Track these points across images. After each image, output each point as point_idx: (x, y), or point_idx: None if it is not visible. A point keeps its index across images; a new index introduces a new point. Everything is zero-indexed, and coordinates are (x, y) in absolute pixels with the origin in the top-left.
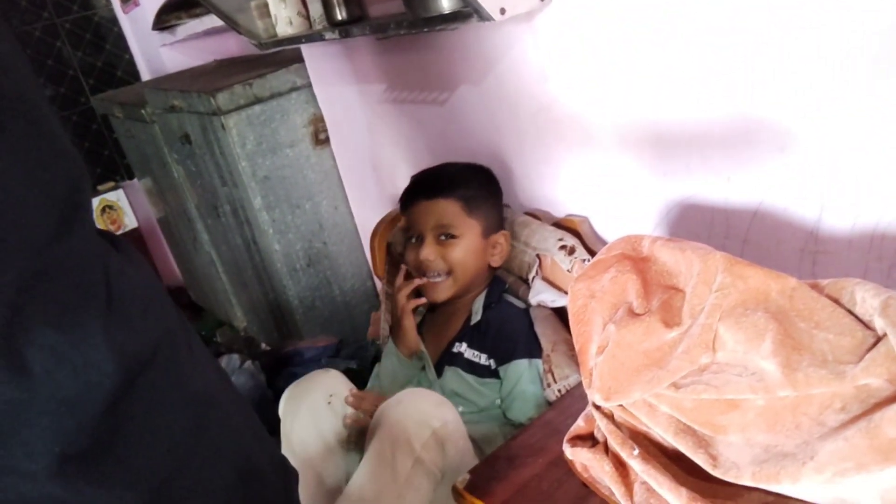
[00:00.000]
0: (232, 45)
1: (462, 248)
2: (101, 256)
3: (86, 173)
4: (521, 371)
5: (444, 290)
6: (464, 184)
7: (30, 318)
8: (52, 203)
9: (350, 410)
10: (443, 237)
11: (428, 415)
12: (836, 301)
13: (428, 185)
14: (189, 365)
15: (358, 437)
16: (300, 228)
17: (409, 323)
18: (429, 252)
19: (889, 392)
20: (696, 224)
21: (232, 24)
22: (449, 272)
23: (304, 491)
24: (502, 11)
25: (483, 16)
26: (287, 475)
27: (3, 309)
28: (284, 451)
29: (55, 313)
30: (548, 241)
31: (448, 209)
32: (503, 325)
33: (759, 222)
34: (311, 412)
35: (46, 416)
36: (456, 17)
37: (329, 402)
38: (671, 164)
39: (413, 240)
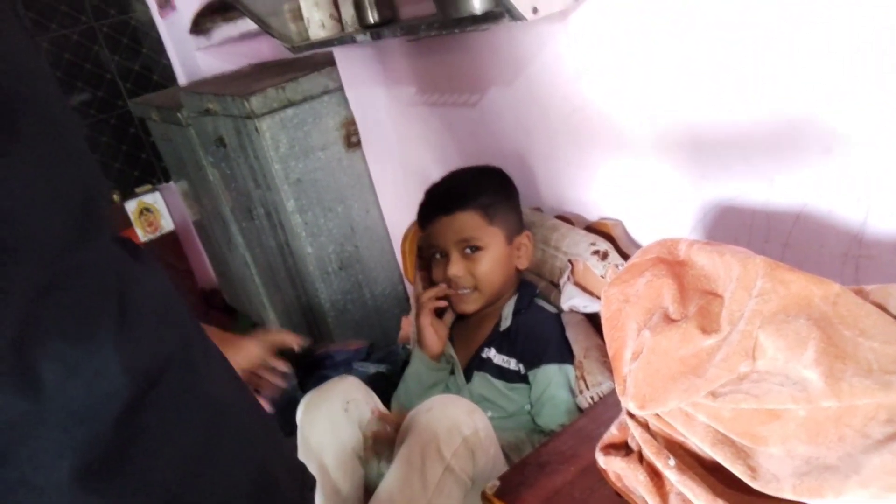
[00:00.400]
0: (265, 50)
1: (489, 260)
2: (116, 266)
3: (103, 180)
4: (550, 376)
5: (472, 303)
6: (480, 192)
7: (43, 330)
8: (66, 211)
9: (369, 416)
10: (468, 250)
11: (459, 422)
12: (882, 307)
13: (444, 199)
14: (204, 374)
15: (376, 446)
16: (332, 232)
17: (428, 322)
18: (457, 269)
19: None
20: (734, 227)
21: (265, 28)
22: (475, 287)
23: (321, 499)
24: (535, 11)
25: (515, 15)
26: (304, 483)
27: (16, 320)
28: (301, 458)
29: (68, 325)
30: (579, 246)
31: (469, 221)
32: (533, 329)
33: (802, 225)
34: (329, 420)
35: (58, 428)
36: (487, 17)
37: (346, 410)
38: (710, 166)
39: (438, 256)
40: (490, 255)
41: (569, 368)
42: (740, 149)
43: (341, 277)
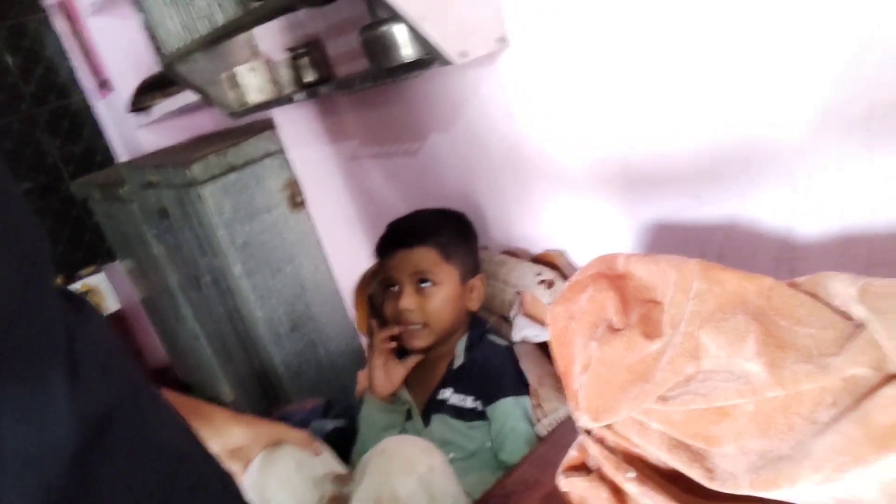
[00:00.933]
0: (207, 122)
1: (441, 297)
2: (63, 314)
3: (44, 235)
4: (508, 409)
5: (421, 339)
6: (440, 230)
7: None
8: (13, 259)
9: (322, 474)
10: (422, 284)
11: (413, 460)
12: (814, 296)
13: (405, 234)
14: (155, 423)
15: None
16: (282, 292)
17: (380, 363)
18: (408, 302)
19: (876, 380)
20: (670, 245)
21: (205, 98)
22: (425, 324)
23: None
24: (463, 55)
25: (445, 60)
26: None
27: None
28: None
29: (20, 368)
30: (526, 277)
31: (426, 256)
32: (487, 364)
33: (733, 236)
34: (282, 481)
35: (10, 475)
36: (418, 64)
37: (299, 470)
38: (642, 191)
39: (392, 288)
40: (443, 292)
41: (525, 400)
42: (668, 171)
43: (294, 338)
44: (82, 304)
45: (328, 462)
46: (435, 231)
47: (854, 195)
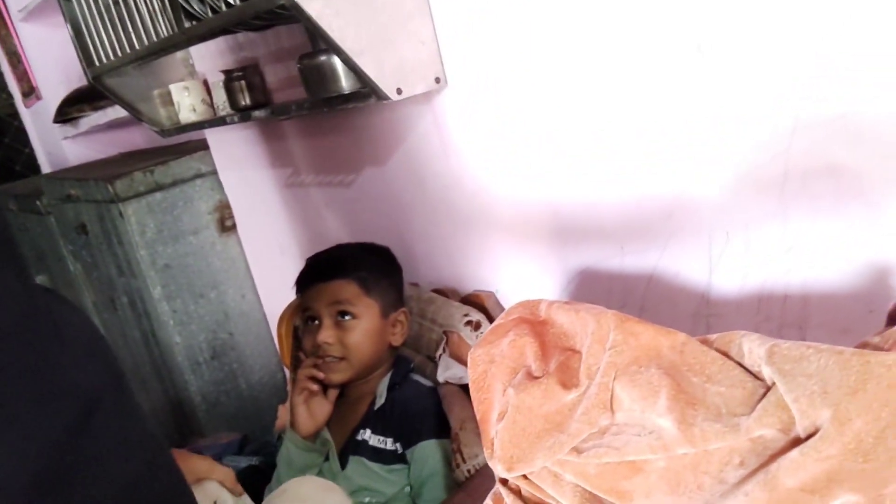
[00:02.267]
0: (138, 138)
1: (361, 330)
2: (45, 301)
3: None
4: (428, 453)
5: (339, 373)
6: (360, 263)
7: None
8: None
9: None
10: (340, 317)
11: (308, 499)
12: (726, 354)
13: (324, 267)
14: (137, 410)
15: None
16: (204, 319)
17: (302, 399)
18: (327, 335)
19: (783, 442)
20: (595, 293)
21: (135, 114)
22: (343, 357)
23: None
24: (399, 91)
25: (380, 95)
26: None
27: None
28: None
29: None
30: (454, 318)
31: (345, 288)
32: (408, 405)
33: (654, 288)
34: None
35: (4, 445)
36: (354, 97)
37: None
38: (569, 237)
39: (310, 322)
40: (363, 326)
41: (447, 443)
42: (593, 219)
43: (213, 367)
44: (63, 297)
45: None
46: (354, 264)
47: (769, 255)
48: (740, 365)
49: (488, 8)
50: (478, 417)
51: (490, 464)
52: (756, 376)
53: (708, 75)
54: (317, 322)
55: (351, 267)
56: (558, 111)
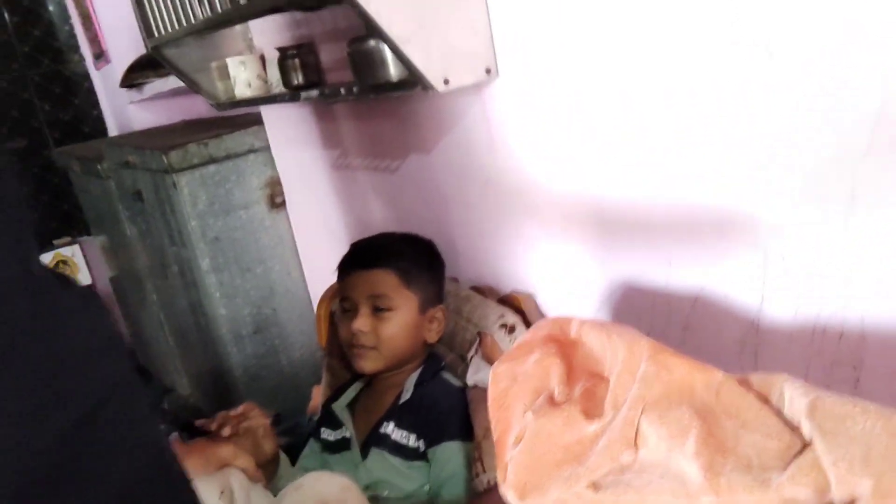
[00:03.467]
0: (201, 106)
1: (396, 323)
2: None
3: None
4: (450, 454)
5: (370, 361)
6: (402, 255)
7: None
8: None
9: (242, 501)
10: (377, 307)
11: (327, 499)
12: (765, 398)
13: (365, 255)
14: (141, 413)
15: None
16: (249, 293)
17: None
18: (362, 323)
19: None
20: (638, 307)
21: (192, 85)
22: (374, 347)
23: None
24: (446, 82)
25: (427, 86)
26: None
27: None
28: None
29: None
30: (489, 319)
31: (384, 279)
32: (434, 403)
33: (700, 309)
34: None
35: (10, 439)
36: (401, 85)
37: (220, 498)
38: (614, 246)
39: (347, 310)
40: (399, 319)
41: (470, 446)
42: (642, 228)
43: (256, 341)
44: (81, 292)
45: (259, 494)
46: (397, 255)
47: (827, 285)
48: (779, 413)
49: None
50: (494, 437)
51: (501, 489)
52: (795, 428)
53: (777, 82)
54: (352, 310)
55: (392, 257)
56: (614, 111)
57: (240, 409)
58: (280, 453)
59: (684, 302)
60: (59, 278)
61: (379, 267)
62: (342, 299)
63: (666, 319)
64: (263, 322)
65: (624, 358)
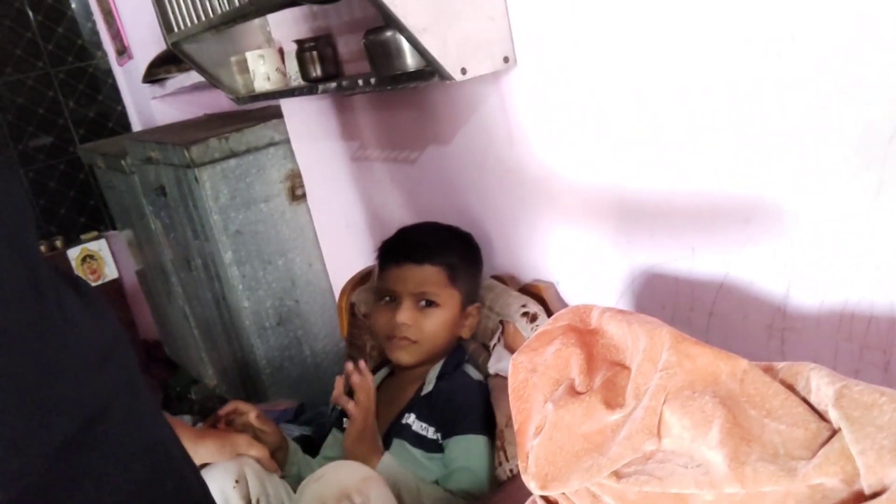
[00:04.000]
0: (223, 100)
1: (440, 319)
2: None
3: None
4: (462, 447)
5: (409, 354)
6: (451, 251)
7: None
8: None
9: (257, 490)
10: (423, 303)
11: (348, 489)
12: (791, 387)
13: (416, 248)
14: (147, 415)
15: None
16: (271, 285)
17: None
18: (406, 316)
19: (845, 493)
20: (661, 294)
21: (212, 80)
22: (416, 341)
23: None
24: (463, 72)
25: (444, 75)
26: None
27: None
28: None
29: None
30: (511, 307)
31: (434, 277)
32: (453, 396)
33: (726, 295)
34: (220, 495)
35: None
36: (418, 75)
37: (235, 486)
38: (636, 232)
39: (387, 299)
40: (442, 315)
41: (483, 439)
42: (663, 217)
43: (279, 333)
44: (87, 291)
45: (275, 483)
46: (447, 251)
47: (855, 271)
48: (805, 401)
49: None
50: (515, 428)
51: (524, 478)
52: (822, 417)
53: (801, 68)
54: (394, 301)
55: (443, 253)
56: (634, 99)
57: (228, 406)
58: (288, 440)
59: (709, 289)
60: (63, 277)
61: (430, 263)
62: (381, 289)
63: (690, 306)
64: (286, 314)
65: (645, 347)
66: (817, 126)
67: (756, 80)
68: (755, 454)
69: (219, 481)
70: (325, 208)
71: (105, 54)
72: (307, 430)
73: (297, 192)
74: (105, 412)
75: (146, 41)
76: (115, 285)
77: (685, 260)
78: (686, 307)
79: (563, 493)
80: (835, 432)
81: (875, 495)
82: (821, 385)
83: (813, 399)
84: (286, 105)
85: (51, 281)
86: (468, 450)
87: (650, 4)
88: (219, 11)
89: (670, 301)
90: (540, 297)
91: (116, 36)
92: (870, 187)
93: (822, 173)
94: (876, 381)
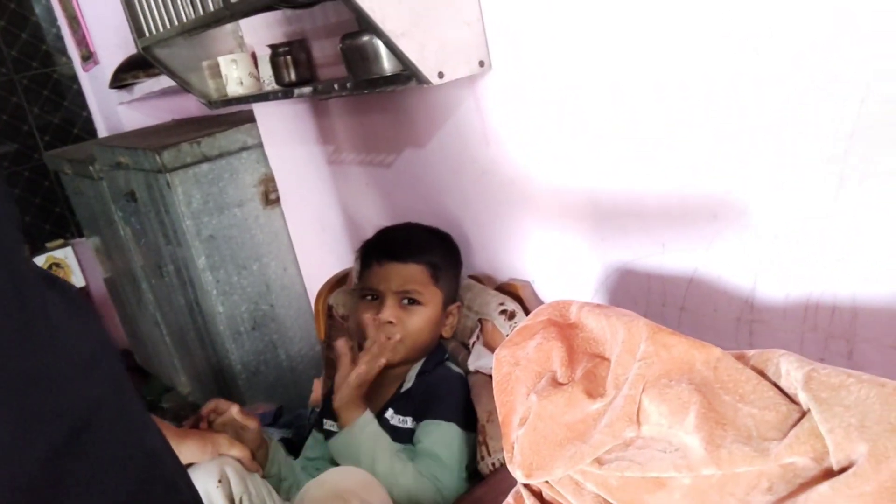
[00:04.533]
0: (191, 105)
1: (423, 317)
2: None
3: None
4: (429, 430)
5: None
6: (434, 250)
7: None
8: None
9: (239, 489)
10: (406, 301)
11: (350, 495)
12: (762, 373)
13: (399, 247)
14: (135, 421)
15: None
16: (246, 290)
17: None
18: (390, 314)
19: (815, 471)
20: (634, 291)
21: (183, 84)
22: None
23: None
24: (440, 75)
25: (421, 79)
26: None
27: None
28: None
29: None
30: (489, 306)
31: (418, 275)
32: (431, 388)
33: (695, 290)
34: (203, 495)
35: None
36: (395, 79)
37: (218, 487)
38: (608, 230)
39: (369, 298)
40: (426, 314)
41: (453, 427)
42: (634, 214)
43: (254, 338)
44: (73, 295)
45: (257, 483)
46: (429, 250)
47: (818, 263)
48: (776, 386)
49: None
50: (500, 419)
51: (509, 468)
52: (791, 400)
53: (764, 74)
54: (378, 299)
55: (426, 252)
56: (605, 101)
57: (209, 405)
58: (269, 439)
59: (679, 284)
60: (48, 279)
61: (414, 262)
62: (363, 288)
63: (662, 301)
64: (261, 318)
65: (623, 338)
66: (793, 122)
67: (732, 77)
68: (730, 437)
69: (202, 481)
70: (300, 212)
71: (70, 60)
72: (287, 432)
73: (270, 197)
74: (93, 419)
75: (112, 46)
76: (82, 294)
77: (656, 256)
78: (658, 302)
79: (547, 482)
80: (804, 414)
81: (843, 470)
82: (790, 370)
83: (783, 383)
84: (259, 109)
85: (35, 286)
86: (432, 433)
87: (620, 11)
88: (192, 16)
89: (643, 297)
90: (517, 295)
91: (82, 41)
92: (832, 183)
93: (789, 169)
94: None
